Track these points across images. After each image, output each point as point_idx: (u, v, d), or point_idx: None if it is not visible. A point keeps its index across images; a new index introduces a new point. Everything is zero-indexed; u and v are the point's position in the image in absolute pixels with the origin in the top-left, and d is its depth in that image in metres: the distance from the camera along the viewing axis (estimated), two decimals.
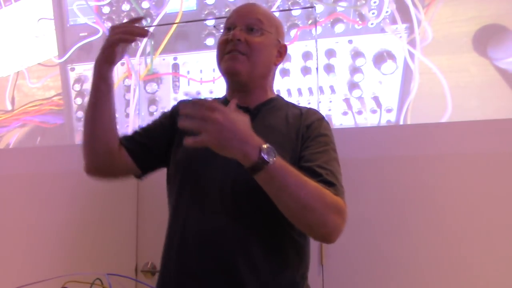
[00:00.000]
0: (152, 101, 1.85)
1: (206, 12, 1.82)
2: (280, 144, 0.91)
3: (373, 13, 1.66)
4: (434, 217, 1.49)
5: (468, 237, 1.46)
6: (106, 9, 1.93)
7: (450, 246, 1.47)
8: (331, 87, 1.67)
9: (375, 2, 1.66)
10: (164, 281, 1.02)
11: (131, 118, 1.86)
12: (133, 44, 1.03)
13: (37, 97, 1.98)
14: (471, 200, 1.48)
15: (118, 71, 1.88)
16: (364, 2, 1.67)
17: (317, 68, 1.68)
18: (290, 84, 1.70)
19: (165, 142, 1.11)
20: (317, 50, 1.69)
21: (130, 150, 1.09)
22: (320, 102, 1.67)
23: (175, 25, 1.84)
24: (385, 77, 1.63)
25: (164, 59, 1.85)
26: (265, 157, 0.82)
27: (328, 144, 1.02)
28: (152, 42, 1.86)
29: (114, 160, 1.07)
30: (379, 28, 1.65)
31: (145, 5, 1.90)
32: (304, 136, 1.02)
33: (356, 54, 1.66)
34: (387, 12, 1.64)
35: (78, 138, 1.90)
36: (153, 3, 1.89)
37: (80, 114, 1.91)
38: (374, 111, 1.63)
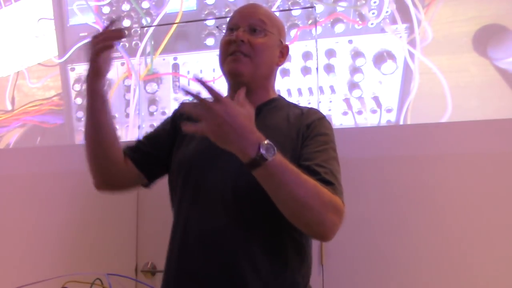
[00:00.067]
0: (152, 101, 1.85)
1: (206, 12, 1.82)
2: (281, 144, 0.90)
3: (373, 13, 1.66)
4: (434, 217, 1.49)
5: (468, 237, 1.46)
6: (106, 9, 1.94)
7: (450, 246, 1.47)
8: (331, 87, 1.67)
9: (375, 2, 1.66)
10: (167, 282, 1.03)
11: (131, 118, 1.86)
12: (115, 49, 1.02)
13: (37, 97, 1.98)
14: (471, 200, 1.48)
15: (118, 71, 1.88)
16: (364, 2, 1.67)
17: (317, 68, 1.68)
18: (290, 84, 1.70)
19: (169, 147, 1.11)
20: (317, 50, 1.69)
21: (135, 161, 1.09)
22: (320, 102, 1.67)
23: (175, 25, 1.84)
24: (385, 77, 1.63)
25: (164, 59, 1.85)
26: (264, 154, 0.82)
27: (328, 143, 1.02)
28: (152, 42, 1.86)
29: (121, 174, 1.08)
30: (379, 28, 1.65)
31: (145, 5, 1.90)
32: (304, 135, 1.02)
33: (356, 54, 1.66)
34: (387, 12, 1.64)
35: (78, 138, 1.90)
36: (153, 3, 1.89)
37: (80, 114, 1.91)
38: (374, 111, 1.63)
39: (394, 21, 1.64)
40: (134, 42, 1.89)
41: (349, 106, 1.65)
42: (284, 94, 1.63)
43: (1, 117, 2.01)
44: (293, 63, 1.70)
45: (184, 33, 1.83)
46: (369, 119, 1.63)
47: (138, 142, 1.14)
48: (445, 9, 1.59)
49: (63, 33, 1.96)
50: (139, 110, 1.85)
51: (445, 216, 1.49)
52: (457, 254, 1.46)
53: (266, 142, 0.82)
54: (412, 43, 1.61)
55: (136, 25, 1.89)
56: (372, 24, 1.66)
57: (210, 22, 1.81)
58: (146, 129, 1.84)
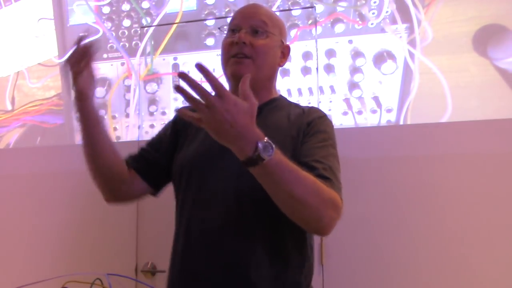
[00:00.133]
0: (152, 101, 1.85)
1: (206, 12, 1.82)
2: (281, 143, 0.90)
3: (373, 13, 1.66)
4: (434, 217, 1.49)
5: (468, 237, 1.46)
6: (106, 9, 1.94)
7: (450, 246, 1.47)
8: (331, 87, 1.67)
9: (375, 2, 1.66)
10: (172, 282, 1.03)
11: (131, 118, 1.86)
12: (93, 65, 1.01)
13: (37, 97, 1.98)
14: (471, 200, 1.48)
15: (118, 71, 1.88)
16: (364, 2, 1.67)
17: (317, 68, 1.68)
18: (290, 84, 1.70)
19: (171, 152, 1.11)
20: (317, 50, 1.69)
21: (139, 171, 1.09)
22: (320, 102, 1.67)
23: (175, 25, 1.84)
24: (385, 77, 1.63)
25: (164, 59, 1.85)
26: (261, 152, 0.81)
27: (327, 140, 1.02)
28: (152, 42, 1.86)
29: (127, 186, 1.08)
30: (379, 28, 1.65)
31: (145, 5, 1.90)
32: (305, 132, 1.03)
33: (356, 54, 1.66)
34: (387, 12, 1.64)
35: (78, 138, 1.89)
36: (153, 3, 1.89)
37: None
38: (374, 111, 1.63)
39: (394, 21, 1.64)
40: (134, 42, 1.89)
41: (349, 106, 1.65)
42: (284, 94, 1.63)
43: (1, 117, 2.01)
44: (293, 63, 1.70)
45: (184, 33, 1.83)
46: (369, 119, 1.63)
47: (142, 150, 1.14)
48: (445, 9, 1.59)
49: (63, 33, 1.96)
50: (139, 110, 1.85)
51: (445, 216, 1.49)
52: (457, 253, 1.46)
53: (265, 140, 0.82)
54: (412, 43, 1.61)
55: (136, 25, 1.89)
56: (372, 24, 1.66)
57: (210, 22, 1.81)
58: (146, 129, 1.84)
